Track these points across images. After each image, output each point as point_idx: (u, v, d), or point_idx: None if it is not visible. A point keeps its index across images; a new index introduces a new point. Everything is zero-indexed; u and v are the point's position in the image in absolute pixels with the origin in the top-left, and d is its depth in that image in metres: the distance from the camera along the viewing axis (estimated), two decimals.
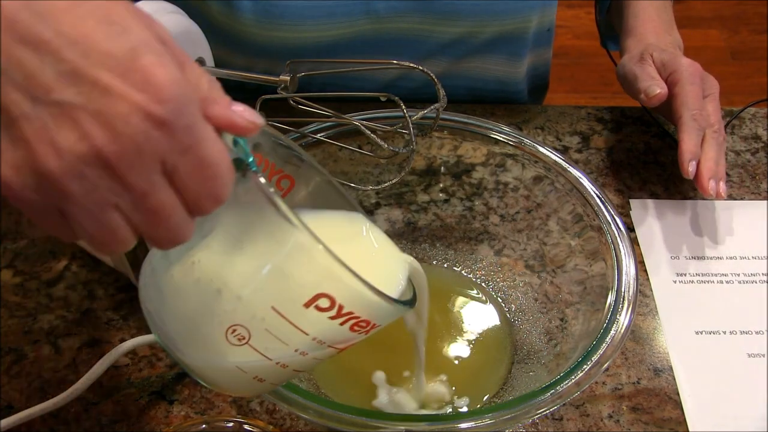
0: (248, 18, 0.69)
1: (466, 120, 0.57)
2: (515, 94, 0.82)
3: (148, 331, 0.56)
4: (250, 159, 0.33)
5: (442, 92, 0.53)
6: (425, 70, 0.52)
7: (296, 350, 0.36)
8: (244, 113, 0.32)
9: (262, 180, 0.32)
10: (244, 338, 0.35)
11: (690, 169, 0.62)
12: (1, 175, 0.28)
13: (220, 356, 0.36)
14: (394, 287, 0.41)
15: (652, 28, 0.72)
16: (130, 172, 0.29)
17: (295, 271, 0.34)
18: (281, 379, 0.39)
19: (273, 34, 0.70)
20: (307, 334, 0.35)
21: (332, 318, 0.35)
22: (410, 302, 0.40)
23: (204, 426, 0.44)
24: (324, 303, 0.34)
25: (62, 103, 0.27)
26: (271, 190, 0.32)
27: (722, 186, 0.62)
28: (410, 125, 0.51)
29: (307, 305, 0.34)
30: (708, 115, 0.64)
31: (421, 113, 0.53)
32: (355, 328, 0.36)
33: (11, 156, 0.28)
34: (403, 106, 0.51)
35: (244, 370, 0.36)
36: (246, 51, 0.72)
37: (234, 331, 0.35)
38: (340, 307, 0.34)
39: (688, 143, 0.62)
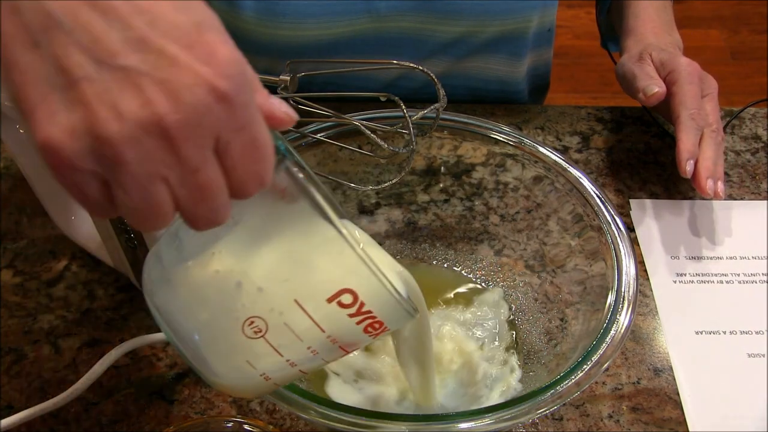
0: (250, 16, 0.69)
1: (466, 120, 0.57)
2: (516, 94, 0.82)
3: (147, 331, 0.56)
4: (283, 148, 0.33)
5: (442, 92, 0.53)
6: (425, 70, 0.52)
7: (309, 348, 0.36)
8: (282, 106, 0.32)
9: (296, 170, 0.32)
10: (260, 331, 0.35)
11: (688, 168, 0.62)
12: (52, 139, 0.27)
13: (232, 349, 0.36)
14: (403, 293, 0.41)
15: (652, 28, 0.73)
16: (186, 144, 0.28)
17: (324, 265, 0.34)
18: (285, 380, 0.39)
19: (274, 32, 0.70)
20: (323, 331, 0.35)
21: (351, 316, 0.35)
22: (416, 310, 0.40)
23: (204, 426, 0.44)
24: (347, 299, 0.34)
25: (127, 68, 0.27)
26: (303, 178, 0.33)
27: (720, 186, 0.62)
28: (410, 125, 0.51)
29: (330, 300, 0.34)
30: (706, 114, 0.64)
31: (421, 113, 0.53)
32: (369, 329, 0.36)
33: (67, 118, 0.27)
34: (403, 106, 0.51)
35: (254, 365, 0.36)
36: (247, 49, 0.72)
37: (252, 323, 0.35)
38: (361, 305, 0.35)
39: (685, 142, 0.62)
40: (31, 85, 0.27)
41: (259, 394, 0.41)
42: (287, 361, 0.36)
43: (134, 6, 0.27)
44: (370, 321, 0.36)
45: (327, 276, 0.34)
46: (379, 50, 0.74)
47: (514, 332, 0.56)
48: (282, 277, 0.35)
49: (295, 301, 0.34)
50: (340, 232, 0.33)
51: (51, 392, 0.53)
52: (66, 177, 0.28)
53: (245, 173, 0.31)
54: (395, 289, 0.35)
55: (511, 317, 0.57)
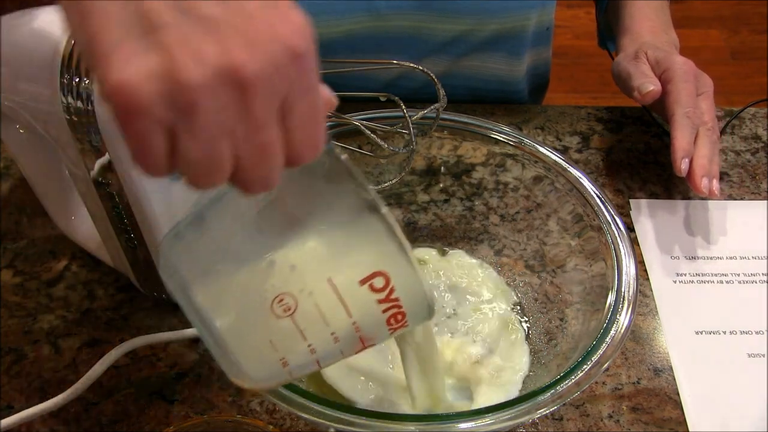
0: None
1: (466, 120, 0.57)
2: (515, 93, 0.82)
3: (147, 331, 0.56)
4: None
5: (442, 92, 0.53)
6: (425, 70, 0.52)
7: (332, 333, 0.36)
8: (325, 89, 0.33)
9: (339, 151, 0.33)
10: (289, 309, 0.35)
11: (683, 166, 0.61)
12: (128, 81, 0.27)
13: (257, 327, 0.36)
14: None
15: (649, 27, 0.73)
16: (257, 98, 0.29)
17: (361, 246, 0.35)
18: (300, 370, 0.39)
19: None
20: (350, 316, 0.35)
21: (379, 302, 0.35)
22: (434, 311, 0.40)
23: (204, 426, 0.44)
24: (379, 282, 0.35)
25: (209, 17, 0.28)
26: (347, 158, 0.33)
27: (715, 184, 0.61)
28: (410, 125, 0.51)
29: (362, 282, 0.34)
30: (701, 113, 0.64)
31: (421, 113, 0.53)
32: (391, 320, 0.36)
33: (145, 62, 0.27)
34: (403, 106, 0.51)
35: (276, 347, 0.36)
36: None
37: (281, 300, 0.35)
38: (391, 291, 0.35)
39: (680, 140, 0.62)
40: (109, 30, 0.27)
41: (269, 384, 0.40)
42: (309, 346, 0.36)
43: None
44: (395, 311, 0.36)
45: (363, 257, 0.35)
46: (378, 49, 0.74)
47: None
48: (316, 256, 0.35)
49: (329, 280, 0.34)
50: (382, 214, 0.33)
51: (51, 392, 0.53)
52: (134, 123, 0.28)
53: (304, 138, 0.31)
54: (424, 278, 0.35)
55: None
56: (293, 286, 0.35)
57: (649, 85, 0.64)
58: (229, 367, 0.38)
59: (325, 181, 0.34)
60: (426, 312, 0.37)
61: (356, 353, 0.39)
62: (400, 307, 0.36)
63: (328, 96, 0.33)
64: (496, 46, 0.76)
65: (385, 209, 0.33)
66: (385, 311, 0.36)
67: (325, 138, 0.32)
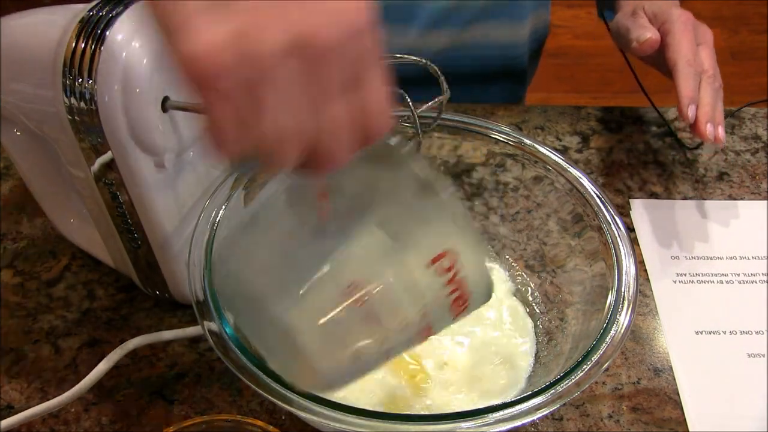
0: None
1: (466, 120, 0.57)
2: (516, 59, 0.83)
3: (148, 331, 0.56)
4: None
5: (445, 85, 0.53)
6: (428, 62, 0.52)
7: (403, 320, 0.36)
8: None
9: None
10: (363, 300, 0.35)
11: (690, 113, 0.61)
12: (205, 49, 0.27)
13: (332, 322, 0.35)
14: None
15: None
16: (331, 67, 0.29)
17: (431, 226, 0.35)
18: (372, 362, 0.39)
19: None
20: (421, 299, 0.36)
21: (447, 283, 0.36)
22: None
23: (204, 426, 0.44)
24: (446, 263, 0.35)
25: None
26: (400, 140, 0.34)
27: (720, 130, 0.61)
28: (416, 117, 0.51)
29: (433, 261, 0.35)
30: (702, 61, 0.64)
31: (425, 106, 0.53)
32: (454, 305, 0.37)
33: (219, 31, 0.28)
34: (409, 100, 0.51)
35: (350, 341, 0.36)
36: None
37: (354, 291, 0.35)
38: (457, 271, 0.35)
39: (685, 88, 0.62)
40: (183, 2, 0.28)
41: (339, 384, 0.40)
42: (381, 337, 0.36)
43: None
44: (459, 293, 0.36)
45: (430, 239, 0.35)
46: (385, 18, 0.73)
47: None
48: (383, 243, 0.35)
49: (399, 264, 0.35)
50: (446, 194, 0.34)
51: (51, 392, 0.53)
52: (210, 91, 0.28)
53: (376, 110, 0.31)
54: (485, 261, 0.36)
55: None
56: (365, 276, 0.35)
57: (646, 33, 0.64)
58: (293, 369, 0.38)
59: (384, 167, 0.34)
60: (486, 293, 0.38)
61: (419, 344, 0.39)
62: (465, 287, 0.36)
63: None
64: (499, 11, 0.76)
65: (449, 189, 0.34)
66: (450, 293, 0.36)
67: (391, 115, 0.32)
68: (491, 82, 0.85)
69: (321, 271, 0.35)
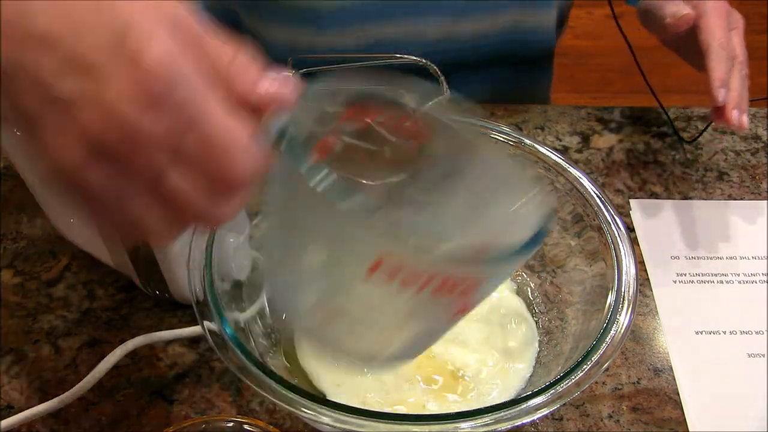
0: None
1: (466, 120, 0.57)
2: (547, 42, 0.81)
3: (148, 331, 0.56)
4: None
5: (445, 86, 0.53)
6: (428, 63, 0.52)
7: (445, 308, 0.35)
8: (272, 85, 0.30)
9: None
10: (409, 283, 0.34)
11: (720, 96, 0.61)
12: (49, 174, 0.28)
13: (383, 312, 0.35)
14: None
15: None
16: (135, 159, 0.27)
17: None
18: (415, 348, 0.39)
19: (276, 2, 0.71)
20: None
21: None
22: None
23: (204, 426, 0.44)
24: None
25: (62, 99, 0.27)
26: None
27: (745, 118, 0.61)
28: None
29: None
30: (734, 47, 0.64)
31: (426, 105, 0.53)
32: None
33: (46, 159, 0.28)
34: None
35: (403, 327, 0.36)
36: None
37: (398, 277, 0.34)
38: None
39: (718, 71, 0.61)
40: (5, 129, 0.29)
41: (378, 359, 0.40)
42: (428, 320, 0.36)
43: (60, 24, 0.27)
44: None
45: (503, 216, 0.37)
46: (379, 15, 0.72)
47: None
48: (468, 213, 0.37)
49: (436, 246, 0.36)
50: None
51: (51, 392, 0.53)
52: (76, 203, 0.29)
53: (211, 173, 0.29)
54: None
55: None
56: (407, 260, 0.33)
57: (683, 9, 0.63)
58: (345, 335, 0.37)
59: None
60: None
61: (450, 327, 0.38)
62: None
63: (270, 96, 0.30)
64: None
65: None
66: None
67: (241, 165, 0.29)
68: (519, 68, 0.83)
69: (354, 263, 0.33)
